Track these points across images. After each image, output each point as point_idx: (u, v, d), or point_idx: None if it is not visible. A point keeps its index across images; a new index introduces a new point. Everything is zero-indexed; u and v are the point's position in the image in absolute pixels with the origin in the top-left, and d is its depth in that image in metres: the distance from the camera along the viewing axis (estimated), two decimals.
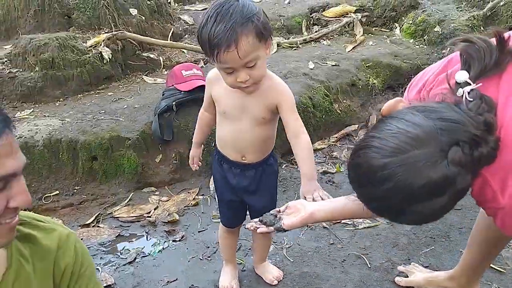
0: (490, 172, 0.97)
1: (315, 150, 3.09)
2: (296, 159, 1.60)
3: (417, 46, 3.84)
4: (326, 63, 3.58)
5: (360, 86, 3.52)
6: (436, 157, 0.89)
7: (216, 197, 1.93)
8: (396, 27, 4.15)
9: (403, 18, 4.11)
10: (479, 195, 1.03)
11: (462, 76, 1.02)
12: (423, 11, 4.00)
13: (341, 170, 2.84)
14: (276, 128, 1.71)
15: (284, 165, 2.90)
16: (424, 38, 3.83)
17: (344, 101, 3.40)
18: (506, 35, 1.03)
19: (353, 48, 3.87)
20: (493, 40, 1.03)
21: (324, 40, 4.04)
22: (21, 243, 1.03)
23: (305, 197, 1.49)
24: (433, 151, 0.90)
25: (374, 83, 3.57)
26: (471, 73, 1.01)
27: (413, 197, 0.92)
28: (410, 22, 3.99)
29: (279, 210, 1.38)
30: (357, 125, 3.34)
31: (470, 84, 1.00)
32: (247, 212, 1.87)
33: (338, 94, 3.38)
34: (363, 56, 3.69)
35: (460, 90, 1.00)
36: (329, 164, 2.91)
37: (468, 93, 0.98)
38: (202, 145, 1.91)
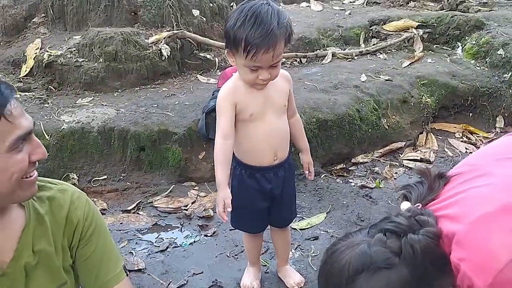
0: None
1: (357, 164, 3.08)
2: (296, 134, 1.88)
3: (478, 68, 3.70)
4: (379, 77, 3.54)
5: (412, 103, 3.45)
6: (363, 240, 1.07)
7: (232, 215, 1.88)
8: (459, 46, 4.02)
9: (466, 37, 3.96)
10: None
11: (405, 205, 1.19)
12: (487, 32, 3.84)
13: (381, 186, 2.81)
14: None
15: (323, 175, 2.91)
16: (486, 60, 3.69)
17: (393, 117, 3.35)
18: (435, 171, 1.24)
19: (409, 64, 3.80)
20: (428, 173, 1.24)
21: (381, 53, 4.00)
22: (37, 203, 1.15)
23: (308, 167, 1.93)
24: (361, 237, 1.10)
25: (427, 102, 3.49)
26: (411, 202, 1.18)
27: (343, 277, 1.05)
28: (474, 42, 3.86)
29: None
30: (404, 143, 3.28)
31: None
32: None
33: (387, 109, 3.34)
34: (419, 73, 3.61)
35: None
36: (369, 179, 2.89)
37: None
38: None
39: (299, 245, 2.30)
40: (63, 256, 1.18)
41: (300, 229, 2.41)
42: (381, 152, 3.19)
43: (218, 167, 1.69)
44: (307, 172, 1.96)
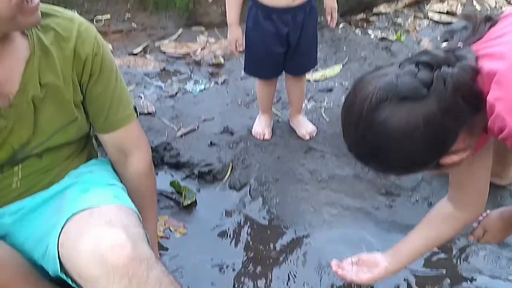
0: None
1: (379, 14, 2.87)
2: None
3: None
4: None
5: None
6: (393, 71, 0.96)
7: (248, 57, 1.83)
8: None
9: None
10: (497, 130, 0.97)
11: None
12: None
13: (402, 40, 2.64)
14: None
15: (342, 24, 2.72)
16: None
17: None
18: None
19: None
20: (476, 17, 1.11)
21: None
22: (41, 33, 1.05)
23: (331, 12, 1.80)
24: (392, 69, 0.97)
25: None
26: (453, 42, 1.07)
27: (365, 107, 0.95)
28: None
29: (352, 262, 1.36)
30: None
31: None
32: None
33: None
34: None
35: None
36: (390, 31, 2.70)
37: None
38: None
39: (312, 96, 2.23)
40: (74, 91, 1.11)
41: (314, 81, 2.32)
42: (405, 3, 2.95)
43: (230, 5, 1.67)
44: (329, 17, 1.81)
